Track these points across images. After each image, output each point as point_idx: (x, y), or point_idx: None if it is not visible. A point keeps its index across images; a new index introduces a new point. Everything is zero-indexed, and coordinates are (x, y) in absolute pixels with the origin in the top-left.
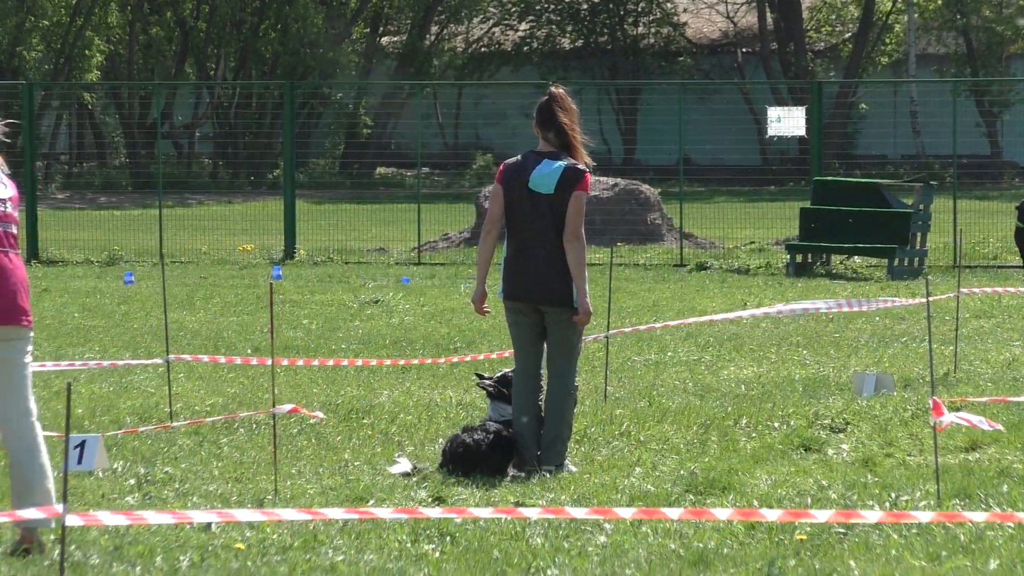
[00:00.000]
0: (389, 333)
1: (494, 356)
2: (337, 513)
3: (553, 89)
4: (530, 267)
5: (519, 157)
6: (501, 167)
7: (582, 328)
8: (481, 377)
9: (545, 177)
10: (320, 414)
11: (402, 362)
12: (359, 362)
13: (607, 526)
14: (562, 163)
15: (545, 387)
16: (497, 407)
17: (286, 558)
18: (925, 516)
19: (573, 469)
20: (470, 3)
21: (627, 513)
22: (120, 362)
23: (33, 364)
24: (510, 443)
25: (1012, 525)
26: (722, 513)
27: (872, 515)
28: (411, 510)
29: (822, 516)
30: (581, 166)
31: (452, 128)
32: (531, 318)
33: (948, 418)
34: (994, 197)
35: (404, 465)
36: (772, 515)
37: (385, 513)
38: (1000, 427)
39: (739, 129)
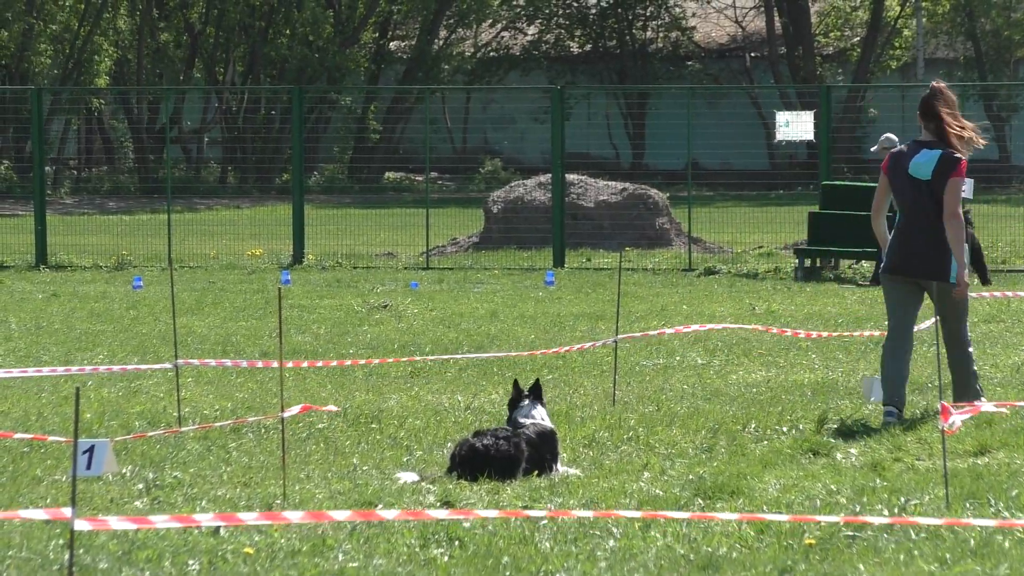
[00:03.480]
0: (397, 338)
1: (502, 354)
2: (343, 515)
3: (935, 84)
4: (912, 246)
5: (903, 147)
6: (887, 157)
7: (960, 298)
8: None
9: (923, 165)
10: (333, 407)
11: (418, 358)
12: (376, 361)
13: (615, 530)
14: (938, 151)
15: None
16: (539, 408)
17: (295, 563)
18: (934, 521)
19: (578, 473)
20: (478, 7)
21: (634, 515)
22: (129, 367)
23: (43, 369)
24: (519, 448)
25: (1021, 529)
26: (730, 517)
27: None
28: (418, 512)
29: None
30: (957, 154)
31: (460, 133)
32: (908, 289)
33: (955, 418)
34: (1002, 202)
35: (411, 476)
36: (781, 518)
37: (391, 514)
38: (1004, 410)
39: (747, 133)
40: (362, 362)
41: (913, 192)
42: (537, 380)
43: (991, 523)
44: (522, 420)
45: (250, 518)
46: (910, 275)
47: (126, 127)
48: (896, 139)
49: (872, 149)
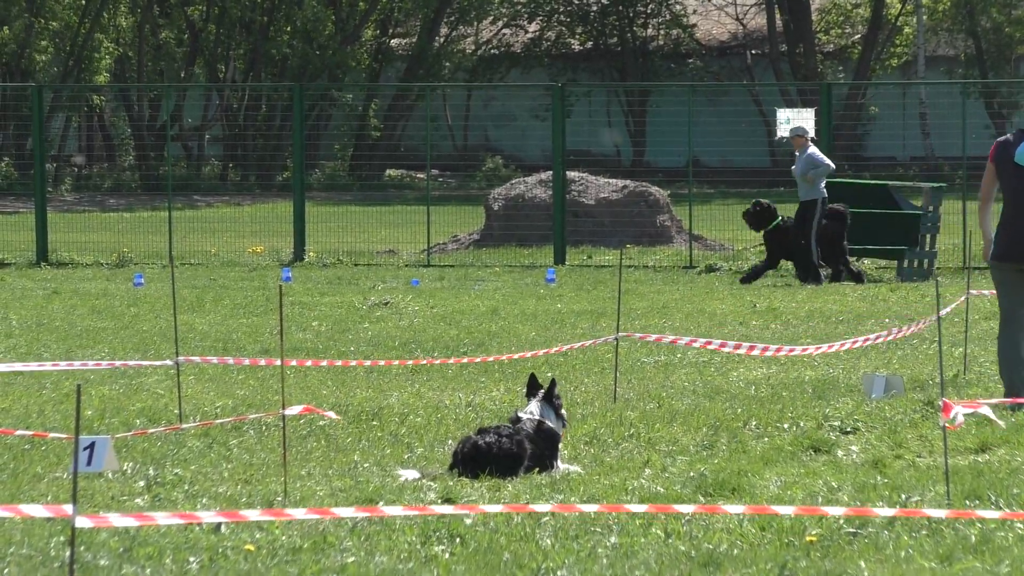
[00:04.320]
0: (398, 335)
1: (503, 358)
2: (346, 512)
3: None
4: (1017, 232)
5: (1009, 136)
6: (994, 145)
7: None
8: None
9: None
10: (332, 414)
11: (410, 362)
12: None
13: (616, 527)
14: None
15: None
16: (545, 409)
17: (296, 559)
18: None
19: (579, 470)
20: (480, 4)
21: (640, 508)
22: (131, 362)
23: (45, 364)
24: (523, 446)
25: (1022, 525)
26: (734, 510)
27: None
28: (421, 507)
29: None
30: None
31: (461, 130)
32: (1015, 276)
33: (958, 415)
34: (1003, 199)
35: (411, 473)
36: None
37: (395, 511)
38: (1002, 424)
39: (748, 131)
40: (367, 363)
41: (1018, 180)
42: (552, 381)
43: (994, 514)
44: (520, 415)
45: (252, 515)
46: (1015, 261)
47: (127, 124)
48: (807, 128)
49: (779, 136)
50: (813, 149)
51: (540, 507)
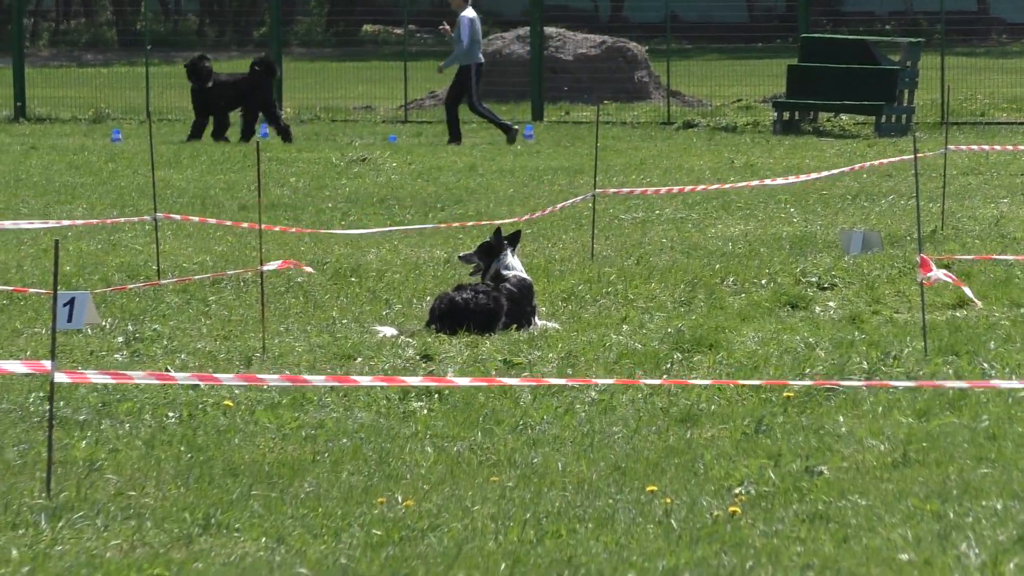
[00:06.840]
0: (376, 192)
1: (483, 224)
2: (319, 380)
3: None
4: None
5: None
6: None
7: None
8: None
9: None
10: (310, 268)
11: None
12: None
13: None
14: None
15: None
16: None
17: (276, 415)
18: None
19: (557, 327)
20: None
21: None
22: (109, 220)
23: (22, 222)
24: (499, 303)
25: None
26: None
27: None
28: (390, 378)
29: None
30: None
31: None
32: None
33: (935, 274)
34: (981, 54)
35: (389, 330)
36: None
37: (364, 380)
38: (979, 304)
39: None
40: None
41: None
42: (518, 232)
43: (963, 384)
44: (504, 272)
45: (226, 378)
46: None
47: None
48: None
49: None
50: (467, 13)
51: (510, 380)
